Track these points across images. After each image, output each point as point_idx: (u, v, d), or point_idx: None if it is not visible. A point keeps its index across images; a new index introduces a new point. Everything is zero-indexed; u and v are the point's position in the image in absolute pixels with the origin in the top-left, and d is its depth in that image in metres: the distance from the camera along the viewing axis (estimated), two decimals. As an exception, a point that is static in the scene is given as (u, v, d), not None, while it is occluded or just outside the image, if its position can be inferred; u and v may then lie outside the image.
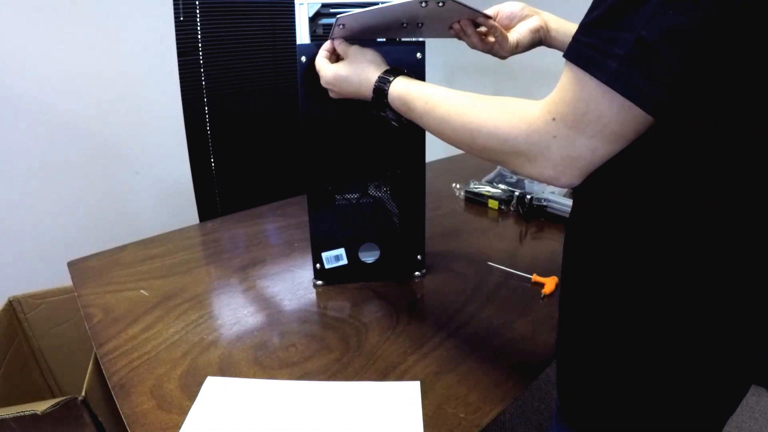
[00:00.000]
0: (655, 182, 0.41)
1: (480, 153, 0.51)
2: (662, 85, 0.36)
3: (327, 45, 0.71)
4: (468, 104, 0.51)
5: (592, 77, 0.37)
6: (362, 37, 0.70)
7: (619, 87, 0.36)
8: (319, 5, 0.79)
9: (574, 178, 0.42)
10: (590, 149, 0.40)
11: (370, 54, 0.66)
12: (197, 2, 1.85)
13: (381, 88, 0.62)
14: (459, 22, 0.68)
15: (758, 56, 0.34)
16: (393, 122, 0.66)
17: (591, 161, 0.41)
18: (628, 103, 0.37)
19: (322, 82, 0.70)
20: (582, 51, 0.39)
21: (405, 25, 0.67)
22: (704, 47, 0.34)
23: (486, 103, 0.50)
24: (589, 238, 0.50)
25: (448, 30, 0.71)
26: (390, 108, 0.63)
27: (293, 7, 0.77)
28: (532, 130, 0.43)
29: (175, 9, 1.76)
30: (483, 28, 0.69)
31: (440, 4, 0.60)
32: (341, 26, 0.67)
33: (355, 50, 0.67)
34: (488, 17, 0.67)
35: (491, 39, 0.69)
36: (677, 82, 0.35)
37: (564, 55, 0.40)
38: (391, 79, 0.62)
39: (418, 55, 0.77)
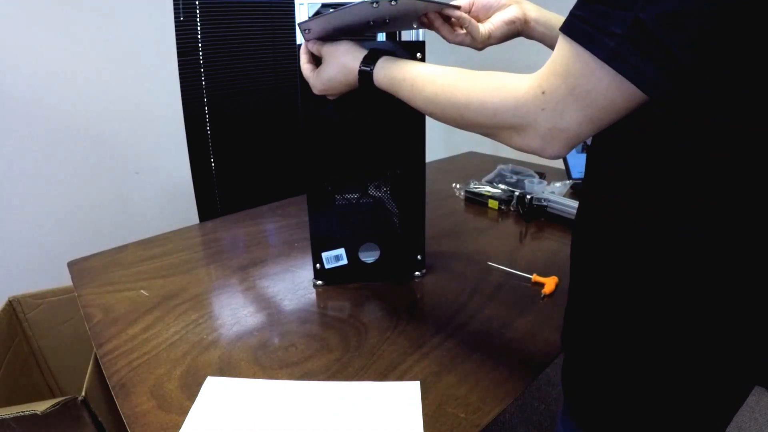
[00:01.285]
0: (656, 182, 0.41)
1: (468, 128, 0.51)
2: (661, 68, 0.35)
3: (303, 49, 0.70)
4: (454, 82, 0.51)
5: (588, 52, 0.37)
6: (338, 37, 0.70)
7: (618, 66, 0.36)
8: (319, 5, 0.79)
9: (561, 149, 0.42)
10: (577, 122, 0.40)
11: (343, 46, 0.66)
12: (197, 2, 1.85)
13: (366, 78, 0.62)
14: (426, 15, 0.67)
15: (758, 51, 0.34)
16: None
17: (578, 134, 0.41)
18: (620, 79, 0.37)
19: (315, 91, 0.69)
20: (578, 25, 0.38)
21: (372, 23, 0.66)
22: (703, 34, 0.34)
23: (472, 80, 0.49)
24: (595, 237, 0.50)
25: (418, 23, 0.70)
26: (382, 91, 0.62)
27: (293, 7, 0.77)
28: (521, 104, 0.43)
29: (175, 9, 1.76)
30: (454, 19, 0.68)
31: (393, 2, 0.59)
32: (307, 31, 0.67)
33: (328, 48, 0.67)
34: (456, 8, 0.67)
35: (461, 30, 0.68)
36: (676, 66, 0.35)
37: (560, 29, 0.40)
38: (371, 67, 0.62)
39: (419, 55, 0.78)
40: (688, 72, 0.36)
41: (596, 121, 0.40)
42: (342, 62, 0.65)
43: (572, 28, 0.39)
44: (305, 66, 0.70)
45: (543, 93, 0.41)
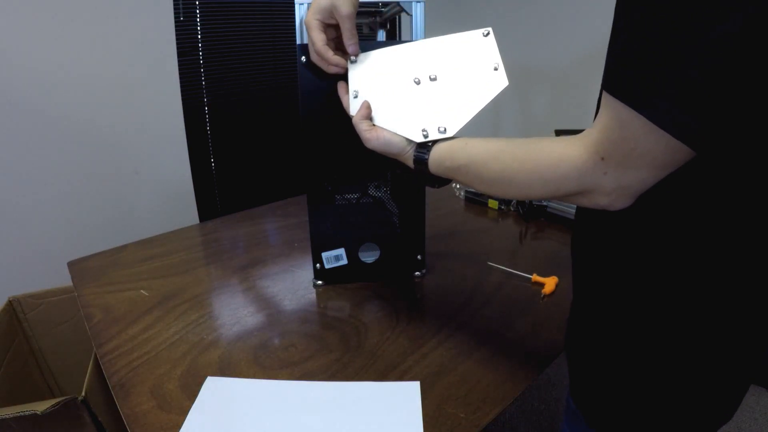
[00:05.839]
0: (660, 186, 0.41)
1: (532, 199, 0.51)
2: (712, 125, 0.35)
3: (363, 110, 0.68)
4: (509, 164, 0.51)
5: (639, 115, 0.36)
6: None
7: (670, 128, 0.36)
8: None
9: (628, 202, 0.43)
10: (640, 179, 0.40)
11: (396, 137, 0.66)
12: (197, 2, 1.85)
13: (421, 163, 0.62)
14: None
15: None
16: (435, 185, 0.66)
17: (642, 187, 0.41)
18: (675, 140, 0.36)
19: (367, 145, 0.67)
20: (626, 87, 0.37)
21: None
22: (755, 88, 0.33)
23: (527, 160, 0.49)
24: (594, 236, 0.50)
25: None
26: (430, 174, 0.63)
27: (293, 7, 0.77)
28: (582, 173, 0.43)
29: (175, 9, 1.76)
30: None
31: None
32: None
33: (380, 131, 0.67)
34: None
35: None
36: (727, 121, 0.35)
37: (605, 88, 0.39)
38: (426, 154, 0.62)
39: None
40: (737, 124, 0.35)
41: (659, 174, 0.40)
42: (398, 150, 0.65)
43: (620, 88, 0.38)
44: (362, 123, 0.67)
45: (602, 159, 0.41)
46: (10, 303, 1.11)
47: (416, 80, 0.68)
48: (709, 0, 0.31)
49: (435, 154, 0.61)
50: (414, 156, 0.63)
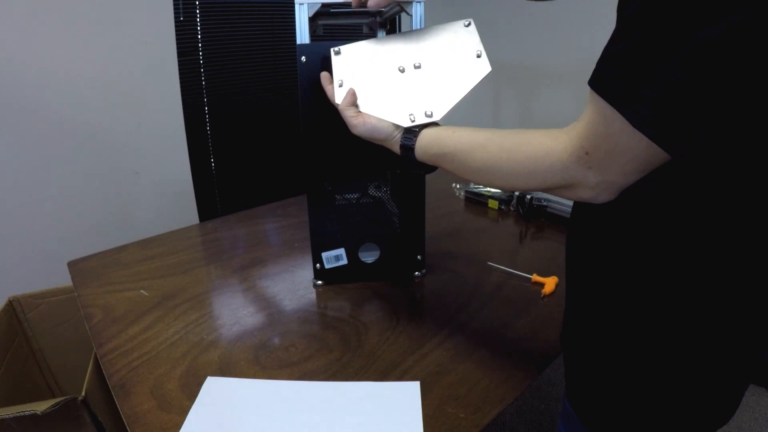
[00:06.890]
0: (652, 183, 0.41)
1: (517, 190, 0.51)
2: (691, 131, 0.35)
3: (349, 98, 0.68)
4: (495, 155, 0.51)
5: (621, 116, 0.37)
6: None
7: (649, 131, 0.36)
8: (319, 5, 0.79)
9: (612, 196, 0.44)
10: (623, 174, 0.41)
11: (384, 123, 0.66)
12: (197, 2, 1.85)
13: (407, 151, 0.63)
14: None
15: None
16: (421, 172, 0.66)
17: (626, 182, 0.42)
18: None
19: (354, 131, 0.67)
20: (610, 86, 0.38)
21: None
22: (735, 94, 0.33)
23: (513, 150, 0.49)
24: (589, 235, 0.50)
25: None
26: (417, 162, 0.63)
27: (293, 7, 0.77)
28: (567, 167, 0.44)
29: (175, 9, 1.76)
30: None
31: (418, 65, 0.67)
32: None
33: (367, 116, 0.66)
34: None
35: None
36: (706, 127, 0.35)
37: (592, 86, 0.39)
38: (412, 141, 0.62)
39: None
40: (717, 129, 0.35)
41: (641, 171, 0.40)
42: (385, 135, 0.65)
43: (603, 87, 0.38)
44: (349, 110, 0.67)
45: (587, 154, 0.42)
46: (10, 303, 1.11)
47: (401, 68, 0.68)
48: (691, 6, 0.32)
49: (422, 141, 0.61)
50: (401, 142, 0.63)
